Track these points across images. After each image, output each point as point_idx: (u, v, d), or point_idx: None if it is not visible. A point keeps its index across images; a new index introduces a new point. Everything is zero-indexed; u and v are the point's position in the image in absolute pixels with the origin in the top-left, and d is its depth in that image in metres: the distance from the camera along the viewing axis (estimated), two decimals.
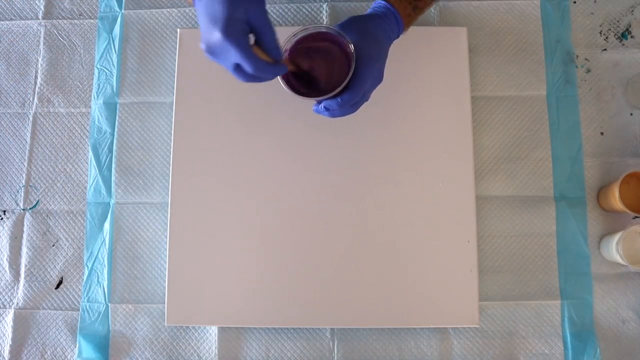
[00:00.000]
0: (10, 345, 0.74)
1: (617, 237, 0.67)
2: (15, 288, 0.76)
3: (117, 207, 0.76)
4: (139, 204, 0.76)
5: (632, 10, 0.78)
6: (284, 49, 0.58)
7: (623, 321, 0.71)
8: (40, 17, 0.82)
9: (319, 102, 0.60)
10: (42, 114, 0.80)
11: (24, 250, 0.76)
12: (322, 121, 0.64)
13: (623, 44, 0.77)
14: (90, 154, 0.77)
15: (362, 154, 0.72)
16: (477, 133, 0.75)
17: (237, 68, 0.51)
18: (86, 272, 0.75)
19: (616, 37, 0.78)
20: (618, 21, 0.78)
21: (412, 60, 0.74)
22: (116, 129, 0.77)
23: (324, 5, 0.79)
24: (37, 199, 0.78)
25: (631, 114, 0.76)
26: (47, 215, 0.77)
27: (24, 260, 0.76)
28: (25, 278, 0.76)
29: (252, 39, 0.51)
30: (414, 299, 0.70)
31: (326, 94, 0.57)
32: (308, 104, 0.62)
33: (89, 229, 0.76)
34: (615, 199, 0.68)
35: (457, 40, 0.75)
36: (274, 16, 0.79)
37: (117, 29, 0.80)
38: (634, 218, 0.73)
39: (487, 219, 0.74)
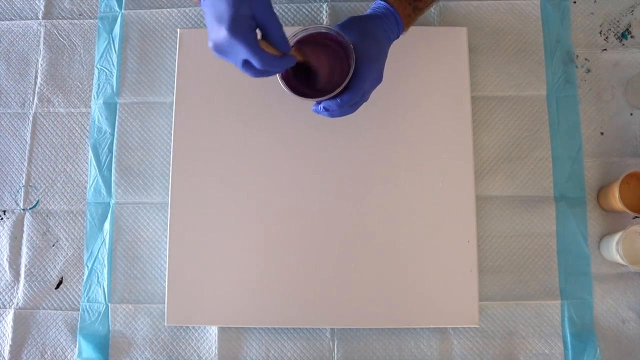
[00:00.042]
0: (10, 345, 0.74)
1: (617, 237, 0.67)
2: (15, 288, 0.76)
3: (117, 207, 0.76)
4: (139, 204, 0.76)
5: (632, 10, 0.78)
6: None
7: (623, 321, 0.71)
8: (40, 17, 0.82)
9: (319, 103, 0.60)
10: (42, 114, 0.80)
11: (24, 250, 0.76)
12: (322, 121, 0.64)
13: (623, 44, 0.77)
14: (90, 154, 0.77)
15: (362, 154, 0.72)
16: (477, 133, 0.75)
17: (246, 64, 0.52)
18: (86, 272, 0.75)
19: (616, 37, 0.78)
20: (618, 21, 0.78)
21: (412, 60, 0.74)
22: (116, 129, 0.78)
23: (324, 5, 0.79)
24: (37, 199, 0.78)
25: (631, 114, 0.76)
26: (47, 215, 0.77)
27: (24, 260, 0.76)
28: (25, 278, 0.76)
29: (258, 34, 0.51)
30: (414, 299, 0.70)
31: (326, 95, 0.57)
32: (308, 104, 0.62)
33: (89, 229, 0.76)
34: (615, 199, 0.68)
35: (457, 40, 0.75)
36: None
37: (117, 29, 0.80)
38: (634, 218, 0.73)
39: (487, 219, 0.74)
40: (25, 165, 0.79)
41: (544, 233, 0.73)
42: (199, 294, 0.70)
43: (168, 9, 0.80)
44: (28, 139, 0.79)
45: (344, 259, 0.70)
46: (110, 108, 0.78)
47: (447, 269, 0.70)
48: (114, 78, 0.79)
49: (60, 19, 0.82)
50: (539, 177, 0.74)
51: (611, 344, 0.71)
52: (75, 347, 0.73)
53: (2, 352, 0.74)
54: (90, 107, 0.79)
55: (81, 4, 0.82)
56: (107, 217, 0.76)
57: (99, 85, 0.79)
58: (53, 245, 0.77)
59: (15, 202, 0.78)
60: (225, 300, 0.70)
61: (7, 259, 0.76)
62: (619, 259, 0.67)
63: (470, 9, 0.79)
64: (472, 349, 0.71)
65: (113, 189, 0.76)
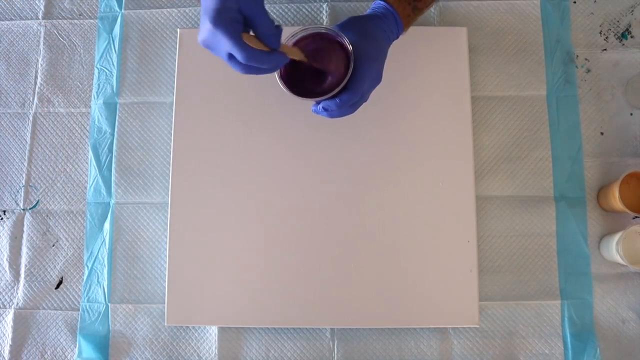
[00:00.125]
0: (10, 345, 0.74)
1: (617, 237, 0.67)
2: (15, 288, 0.76)
3: (117, 207, 0.76)
4: (139, 204, 0.76)
5: (632, 10, 0.78)
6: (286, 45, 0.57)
7: (623, 321, 0.71)
8: (40, 17, 0.82)
9: (318, 103, 0.60)
10: (42, 114, 0.80)
11: (24, 250, 0.76)
12: (321, 121, 0.64)
13: (623, 44, 0.77)
14: (90, 154, 0.77)
15: (362, 154, 0.72)
16: (477, 133, 0.75)
17: (231, 58, 0.51)
18: (86, 272, 0.75)
19: (616, 37, 0.78)
20: (618, 21, 0.78)
21: (412, 60, 0.74)
22: (116, 129, 0.78)
23: (324, 5, 0.79)
24: (37, 199, 0.78)
25: (631, 114, 0.76)
26: (47, 215, 0.77)
27: (24, 260, 0.76)
28: (25, 278, 0.76)
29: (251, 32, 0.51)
30: (414, 299, 0.70)
31: (325, 95, 0.57)
32: (307, 104, 0.62)
33: (89, 229, 0.76)
34: (615, 199, 0.68)
35: (457, 40, 0.75)
36: (274, 16, 0.79)
37: (117, 29, 0.80)
38: (634, 218, 0.73)
39: (487, 219, 0.74)
40: (25, 165, 0.79)
41: (544, 233, 0.73)
42: (199, 294, 0.70)
43: (168, 9, 0.80)
44: (28, 139, 0.79)
45: (344, 259, 0.70)
46: (110, 108, 0.78)
47: (447, 269, 0.70)
48: (114, 78, 0.79)
49: (60, 19, 0.82)
50: (539, 177, 0.74)
51: (611, 344, 0.71)
52: (75, 347, 0.73)
53: (2, 352, 0.74)
54: (90, 107, 0.79)
55: (81, 4, 0.82)
56: (107, 217, 0.76)
57: (99, 85, 0.79)
58: (53, 245, 0.77)
59: (15, 202, 0.78)
60: (225, 300, 0.70)
61: (7, 259, 0.76)
62: (619, 259, 0.67)
63: (470, 9, 0.79)
64: (472, 349, 0.71)
65: (113, 189, 0.76)
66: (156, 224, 0.75)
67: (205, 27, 0.49)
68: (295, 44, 0.60)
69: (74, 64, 0.81)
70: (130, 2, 0.81)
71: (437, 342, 0.71)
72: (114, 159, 0.77)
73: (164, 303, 0.71)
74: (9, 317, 0.75)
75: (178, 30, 0.76)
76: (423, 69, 0.74)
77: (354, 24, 0.59)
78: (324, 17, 0.79)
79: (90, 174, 0.77)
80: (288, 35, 0.59)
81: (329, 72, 0.59)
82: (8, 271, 0.76)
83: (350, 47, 0.57)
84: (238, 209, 0.72)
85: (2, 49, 0.82)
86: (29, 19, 0.82)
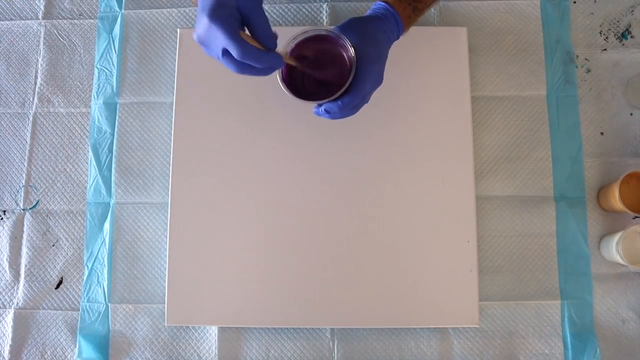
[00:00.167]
0: (10, 345, 0.74)
1: (617, 237, 0.67)
2: (15, 288, 0.76)
3: (117, 207, 0.76)
4: (139, 204, 0.76)
5: (632, 10, 0.78)
6: (283, 53, 0.57)
7: (623, 321, 0.71)
8: (40, 17, 0.82)
9: (320, 105, 0.60)
10: (42, 114, 0.80)
11: (24, 250, 0.76)
12: (322, 121, 0.64)
13: (623, 44, 0.77)
14: (90, 154, 0.77)
15: (362, 154, 0.72)
16: (477, 133, 0.75)
17: (226, 54, 0.50)
18: (86, 272, 0.75)
19: (616, 37, 0.78)
20: (618, 21, 0.78)
21: (412, 61, 0.74)
22: (116, 129, 0.78)
23: (324, 5, 0.79)
24: (37, 199, 0.78)
25: (631, 114, 0.76)
26: (47, 215, 0.77)
27: (24, 260, 0.76)
28: (25, 278, 0.76)
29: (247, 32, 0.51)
30: (414, 299, 0.70)
31: (326, 97, 0.57)
32: (308, 105, 0.62)
33: (89, 229, 0.76)
34: (615, 199, 0.68)
35: (457, 40, 0.75)
36: (274, 16, 0.79)
37: (117, 29, 0.80)
38: (634, 218, 0.73)
39: (487, 219, 0.74)
40: (25, 165, 0.79)
41: (544, 233, 0.73)
42: (199, 294, 0.70)
43: (168, 9, 0.80)
44: (28, 139, 0.79)
45: (344, 259, 0.70)
46: (110, 108, 0.78)
47: (447, 269, 0.70)
48: (114, 78, 0.79)
49: (60, 19, 0.82)
50: (539, 177, 0.74)
51: (611, 344, 0.71)
52: (75, 347, 0.73)
53: (2, 352, 0.74)
54: (90, 107, 0.79)
55: (81, 4, 0.82)
56: (107, 217, 0.76)
57: (99, 85, 0.79)
58: (53, 245, 0.77)
59: (15, 202, 0.78)
60: (225, 300, 0.70)
61: (7, 259, 0.76)
62: (619, 259, 0.67)
63: (470, 9, 0.79)
64: (472, 349, 0.71)
65: (113, 189, 0.76)
66: (156, 224, 0.75)
67: (202, 22, 0.49)
68: (297, 46, 0.59)
69: (74, 64, 0.81)
70: (130, 2, 0.81)
71: (437, 342, 0.71)
72: (114, 159, 0.77)
73: (164, 303, 0.71)
74: (9, 317, 0.75)
75: (178, 30, 0.76)
76: (423, 69, 0.74)
77: (355, 26, 0.59)
78: (324, 17, 0.79)
79: (90, 174, 0.77)
80: (289, 38, 0.59)
81: (331, 75, 0.59)
82: (8, 271, 0.76)
83: (352, 50, 0.57)
84: (238, 209, 0.72)
85: (2, 49, 0.82)
86: (29, 19, 0.82)
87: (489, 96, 0.76)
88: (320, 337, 0.72)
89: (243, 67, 0.51)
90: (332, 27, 0.59)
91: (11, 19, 0.82)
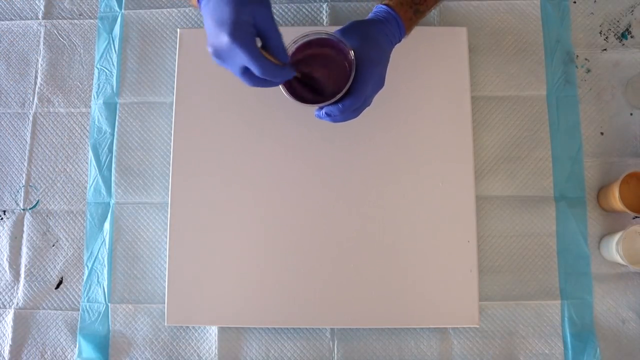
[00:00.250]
0: (10, 345, 0.74)
1: (617, 237, 0.67)
2: (15, 288, 0.76)
3: (117, 207, 0.76)
4: (139, 204, 0.76)
5: (632, 10, 0.78)
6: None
7: (623, 321, 0.71)
8: (40, 17, 0.82)
9: (321, 108, 0.60)
10: (42, 114, 0.80)
11: (24, 250, 0.76)
12: (322, 121, 0.64)
13: (623, 44, 0.77)
14: (90, 154, 0.77)
15: (361, 153, 0.72)
16: (477, 133, 0.75)
17: (245, 72, 0.51)
18: (86, 272, 0.75)
19: (616, 37, 0.78)
20: (618, 21, 0.78)
21: (412, 61, 0.74)
22: (116, 129, 0.78)
23: (324, 5, 0.79)
24: (37, 199, 0.78)
25: (631, 114, 0.76)
26: (47, 215, 0.77)
27: (24, 260, 0.76)
28: (25, 278, 0.76)
29: (258, 42, 0.51)
30: (414, 299, 0.70)
31: (327, 100, 0.57)
32: (309, 109, 0.62)
33: (89, 229, 0.76)
34: (615, 199, 0.68)
35: (457, 40, 0.75)
36: (274, 17, 0.79)
37: (117, 29, 0.80)
38: (634, 218, 0.73)
39: (487, 219, 0.74)
40: (25, 165, 0.79)
41: (544, 233, 0.73)
42: (199, 294, 0.70)
43: (168, 9, 0.80)
44: (28, 139, 0.79)
45: (344, 259, 0.70)
46: (110, 108, 0.78)
47: (447, 269, 0.70)
48: (114, 78, 0.79)
49: (60, 19, 0.82)
50: (539, 177, 0.74)
51: (611, 344, 0.71)
52: (75, 347, 0.73)
53: (2, 352, 0.74)
54: (90, 107, 0.79)
55: (81, 4, 0.82)
56: (107, 217, 0.76)
57: (99, 85, 0.79)
58: (53, 245, 0.77)
59: (15, 202, 0.78)
60: (225, 300, 0.70)
61: (7, 259, 0.76)
62: (619, 259, 0.67)
63: (470, 9, 0.79)
64: (472, 349, 0.71)
65: (113, 189, 0.76)
66: (156, 224, 0.75)
67: (221, 40, 0.49)
68: (297, 50, 0.59)
69: (74, 64, 0.81)
70: (130, 2, 0.81)
71: (437, 342, 0.71)
72: (114, 159, 0.77)
73: (164, 303, 0.71)
74: (9, 317, 0.75)
75: (178, 30, 0.76)
76: (423, 69, 0.74)
77: (357, 29, 0.59)
78: (324, 17, 0.79)
79: (90, 174, 0.77)
80: (289, 41, 0.59)
81: (331, 78, 0.59)
82: (8, 271, 0.76)
83: (352, 53, 0.57)
84: (238, 209, 0.72)
85: (2, 49, 0.82)
86: (29, 19, 0.82)
87: (489, 96, 0.76)
88: (320, 337, 0.72)
89: (259, 82, 0.52)
90: (334, 30, 0.59)
91: (11, 19, 0.82)
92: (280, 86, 0.58)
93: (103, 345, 0.73)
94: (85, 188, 0.77)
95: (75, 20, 0.82)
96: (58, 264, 0.76)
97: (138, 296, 0.74)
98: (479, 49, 0.77)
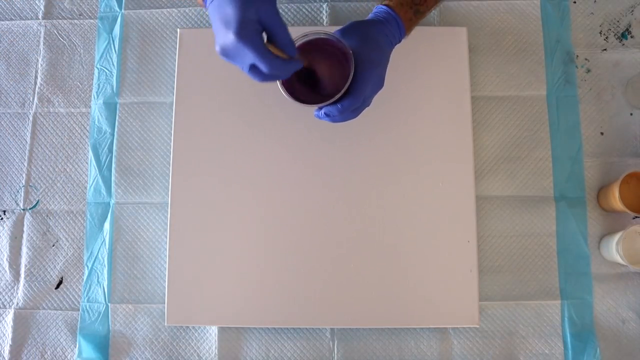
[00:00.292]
0: (10, 345, 0.74)
1: (617, 237, 0.67)
2: (15, 288, 0.76)
3: (117, 207, 0.76)
4: (139, 204, 0.76)
5: (632, 10, 0.78)
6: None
7: (623, 321, 0.71)
8: (40, 17, 0.82)
9: (320, 108, 0.60)
10: (42, 114, 0.80)
11: (24, 250, 0.76)
12: (322, 122, 0.64)
13: (623, 44, 0.77)
14: (90, 154, 0.77)
15: (361, 153, 0.72)
16: (477, 133, 0.75)
17: (253, 68, 0.52)
18: (86, 272, 0.75)
19: (616, 37, 0.78)
20: (618, 21, 0.78)
21: (412, 61, 0.74)
22: (116, 129, 0.78)
23: (324, 5, 0.79)
24: (37, 199, 0.78)
25: (631, 114, 0.76)
26: (47, 215, 0.77)
27: (24, 260, 0.76)
28: (25, 278, 0.76)
29: (265, 38, 0.51)
30: (414, 299, 0.70)
31: (326, 100, 0.57)
32: (308, 109, 0.62)
33: (89, 229, 0.76)
34: (615, 199, 0.68)
35: (457, 40, 0.75)
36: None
37: (117, 29, 0.80)
38: (634, 218, 0.73)
39: (487, 219, 0.74)
40: (25, 165, 0.79)
41: (544, 233, 0.73)
42: (199, 294, 0.70)
43: (168, 9, 0.80)
44: (28, 139, 0.79)
45: (344, 259, 0.70)
46: (110, 108, 0.78)
47: (447, 269, 0.70)
48: (114, 78, 0.79)
49: (60, 19, 0.82)
50: (539, 177, 0.74)
51: (611, 344, 0.71)
52: (75, 347, 0.73)
53: (2, 352, 0.74)
54: (90, 107, 0.79)
55: (81, 4, 0.82)
56: (107, 217, 0.76)
57: (99, 85, 0.79)
58: (53, 245, 0.77)
59: (15, 202, 0.78)
60: (225, 300, 0.70)
61: (7, 259, 0.76)
62: (619, 259, 0.67)
63: (470, 9, 0.79)
64: (472, 349, 0.71)
65: (113, 189, 0.76)
66: (156, 224, 0.75)
67: (228, 39, 0.49)
68: (297, 50, 0.59)
69: (74, 64, 0.81)
70: (130, 2, 0.81)
71: (437, 342, 0.71)
72: (114, 159, 0.77)
73: (164, 303, 0.71)
74: (9, 317, 0.75)
75: (178, 30, 0.76)
76: (423, 69, 0.74)
77: (356, 29, 0.59)
78: (324, 17, 0.79)
79: (90, 174, 0.77)
80: None
81: (331, 78, 0.59)
82: (8, 271, 0.76)
83: (350, 53, 0.57)
84: (238, 209, 0.72)
85: (2, 49, 0.82)
86: (29, 19, 0.82)
87: (489, 96, 0.76)
88: (320, 337, 0.72)
89: (267, 77, 0.53)
90: (334, 30, 0.59)
91: (11, 19, 0.82)
92: (279, 87, 0.58)
93: (103, 345, 0.73)
94: (85, 188, 0.77)
95: (75, 20, 0.82)
96: (58, 264, 0.76)
97: (138, 296, 0.74)
98: (479, 49, 0.77)
